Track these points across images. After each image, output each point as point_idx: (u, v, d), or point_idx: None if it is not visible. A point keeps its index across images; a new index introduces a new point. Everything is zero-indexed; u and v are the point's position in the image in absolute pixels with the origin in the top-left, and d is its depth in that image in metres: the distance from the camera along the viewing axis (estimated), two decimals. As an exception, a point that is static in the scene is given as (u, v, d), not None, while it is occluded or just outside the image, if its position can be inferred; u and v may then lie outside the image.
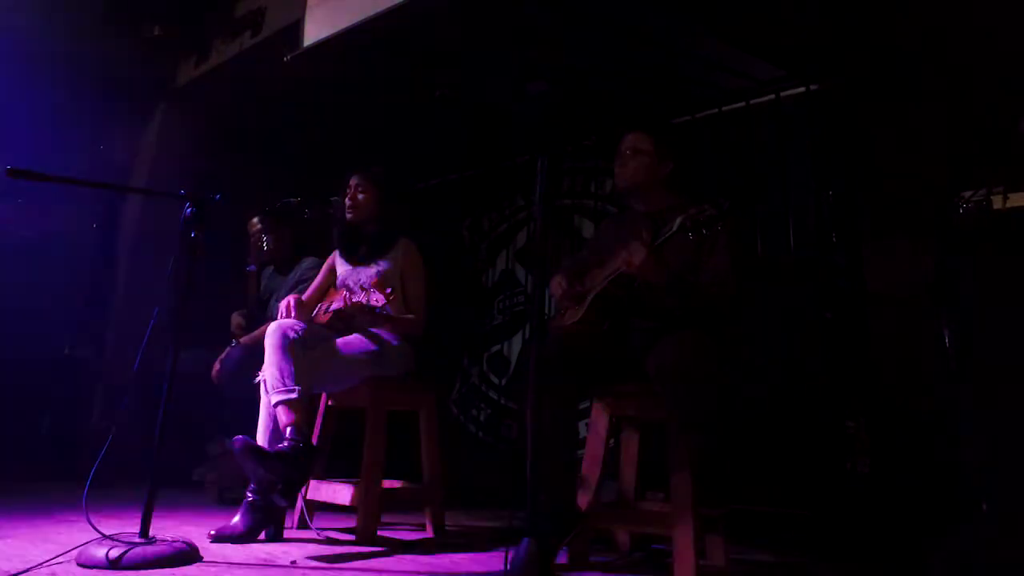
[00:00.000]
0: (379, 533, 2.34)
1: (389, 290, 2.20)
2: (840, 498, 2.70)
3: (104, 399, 3.91)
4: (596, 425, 2.13)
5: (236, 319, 3.24)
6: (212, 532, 2.10)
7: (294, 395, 2.12)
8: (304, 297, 2.70)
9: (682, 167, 2.25)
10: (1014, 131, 2.39)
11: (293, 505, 2.35)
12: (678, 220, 1.92)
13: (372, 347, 2.37)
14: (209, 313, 3.13)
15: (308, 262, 3.12)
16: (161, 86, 4.37)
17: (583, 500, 2.02)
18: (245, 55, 3.90)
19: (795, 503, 2.77)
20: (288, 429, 2.10)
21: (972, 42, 2.66)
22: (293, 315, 2.30)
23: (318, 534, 2.32)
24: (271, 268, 3.33)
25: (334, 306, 2.40)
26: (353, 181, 2.62)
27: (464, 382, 4.32)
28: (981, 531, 2.09)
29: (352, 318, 2.42)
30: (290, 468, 2.05)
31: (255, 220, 3.28)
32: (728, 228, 1.99)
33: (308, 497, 2.42)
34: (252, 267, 3.23)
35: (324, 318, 2.47)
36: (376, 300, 2.18)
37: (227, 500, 2.96)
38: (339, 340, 2.35)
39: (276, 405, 2.14)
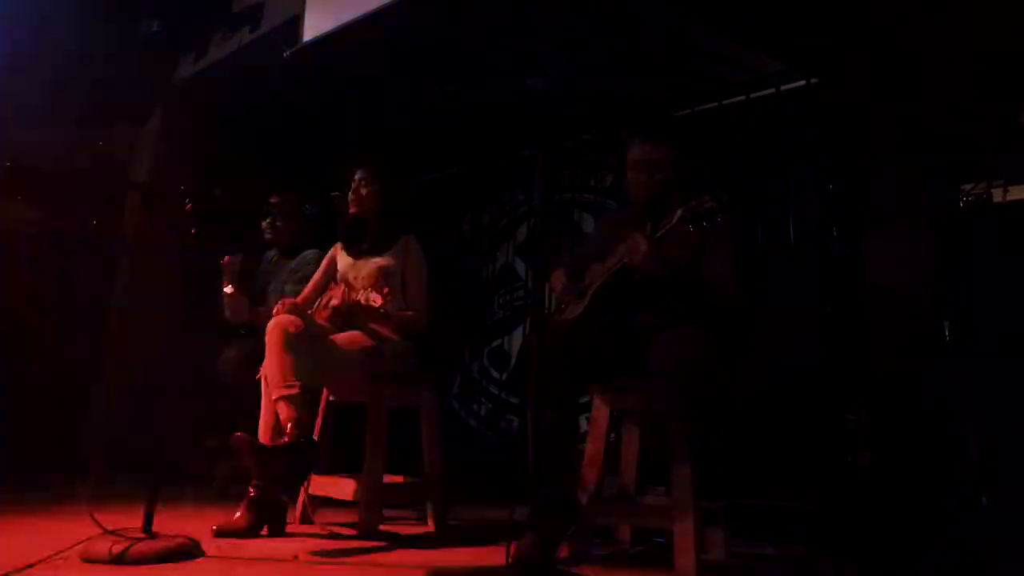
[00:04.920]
0: (381, 527, 2.35)
1: (386, 290, 2.20)
2: (841, 491, 2.70)
3: (105, 395, 3.92)
4: (597, 419, 2.13)
5: (229, 312, 3.22)
6: (214, 527, 2.11)
7: (295, 391, 2.13)
8: (305, 290, 2.70)
9: (692, 166, 2.24)
10: (1014, 124, 2.39)
11: (295, 500, 2.36)
12: (678, 212, 1.91)
13: (371, 343, 2.38)
14: (209, 309, 3.13)
15: (311, 254, 3.10)
16: (160, 82, 4.36)
17: (584, 494, 2.02)
18: (244, 51, 3.89)
19: (796, 496, 2.77)
20: (289, 424, 2.10)
21: (972, 35, 2.66)
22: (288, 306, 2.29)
23: (321, 529, 2.33)
24: (274, 251, 3.33)
25: (332, 303, 2.40)
26: (357, 175, 2.62)
27: (465, 377, 4.32)
28: (979, 524, 2.09)
29: (351, 315, 2.42)
30: (291, 463, 2.06)
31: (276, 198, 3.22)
32: (728, 222, 1.99)
33: (310, 492, 2.43)
34: (231, 288, 3.15)
35: (324, 314, 2.47)
36: (374, 299, 2.19)
37: (229, 495, 2.97)
38: (339, 336, 2.35)
39: (277, 400, 2.14)
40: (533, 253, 4.02)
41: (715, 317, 2.03)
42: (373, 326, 2.42)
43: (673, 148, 2.19)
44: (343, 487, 2.35)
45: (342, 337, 2.35)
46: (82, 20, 3.80)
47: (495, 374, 4.20)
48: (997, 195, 2.29)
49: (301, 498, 2.43)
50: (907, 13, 2.77)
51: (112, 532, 1.73)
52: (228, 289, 3.05)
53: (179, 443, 3.23)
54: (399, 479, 2.64)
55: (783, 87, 3.27)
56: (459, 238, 4.57)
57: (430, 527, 2.51)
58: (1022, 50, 2.50)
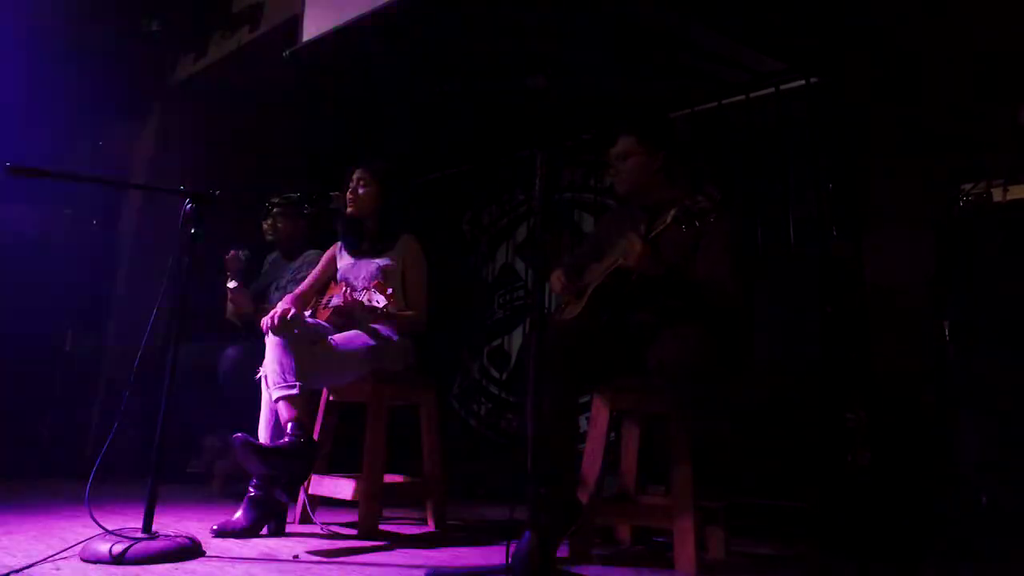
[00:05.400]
0: (381, 527, 2.35)
1: (390, 291, 2.19)
2: (840, 491, 2.70)
3: (105, 395, 3.92)
4: (596, 419, 2.13)
5: (232, 307, 3.23)
6: (214, 527, 2.11)
7: (294, 391, 2.12)
8: (302, 287, 2.69)
9: (674, 155, 2.25)
10: (1014, 123, 2.39)
11: (295, 500, 2.36)
12: (671, 212, 1.92)
13: (372, 342, 2.37)
14: (209, 308, 3.12)
15: (312, 254, 3.11)
16: (160, 82, 4.36)
17: (584, 494, 2.02)
18: (243, 50, 3.89)
19: (795, 496, 2.77)
20: (289, 425, 2.10)
21: (972, 33, 2.66)
22: (277, 324, 2.20)
23: (321, 528, 2.33)
24: (276, 254, 3.33)
25: (334, 302, 2.40)
26: (355, 175, 2.61)
27: (464, 377, 4.32)
28: (979, 524, 2.09)
29: (352, 315, 2.42)
30: (291, 463, 2.06)
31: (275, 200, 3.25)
32: (723, 220, 1.99)
33: (310, 492, 2.43)
34: (234, 283, 3.10)
35: (324, 314, 2.47)
36: (377, 301, 2.17)
37: (229, 494, 2.97)
38: (339, 335, 2.35)
39: (277, 400, 2.14)
40: (533, 253, 4.03)
41: (713, 316, 2.04)
42: (373, 326, 2.42)
43: (632, 136, 2.22)
44: (343, 487, 2.35)
45: (342, 337, 2.35)
46: (82, 19, 3.80)
47: (495, 374, 4.20)
48: (997, 195, 2.28)
49: (301, 498, 2.43)
50: (907, 13, 2.77)
51: (112, 532, 1.73)
52: (231, 284, 3.05)
53: (179, 443, 3.24)
54: (399, 479, 2.64)
55: (783, 87, 3.27)
56: (459, 238, 4.57)
57: (430, 527, 2.51)
58: (1022, 50, 2.50)
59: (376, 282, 2.25)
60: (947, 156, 2.61)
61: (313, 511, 2.44)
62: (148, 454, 1.80)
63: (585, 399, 2.34)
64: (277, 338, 2.18)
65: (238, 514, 2.15)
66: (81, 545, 1.72)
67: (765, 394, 2.92)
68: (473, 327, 4.33)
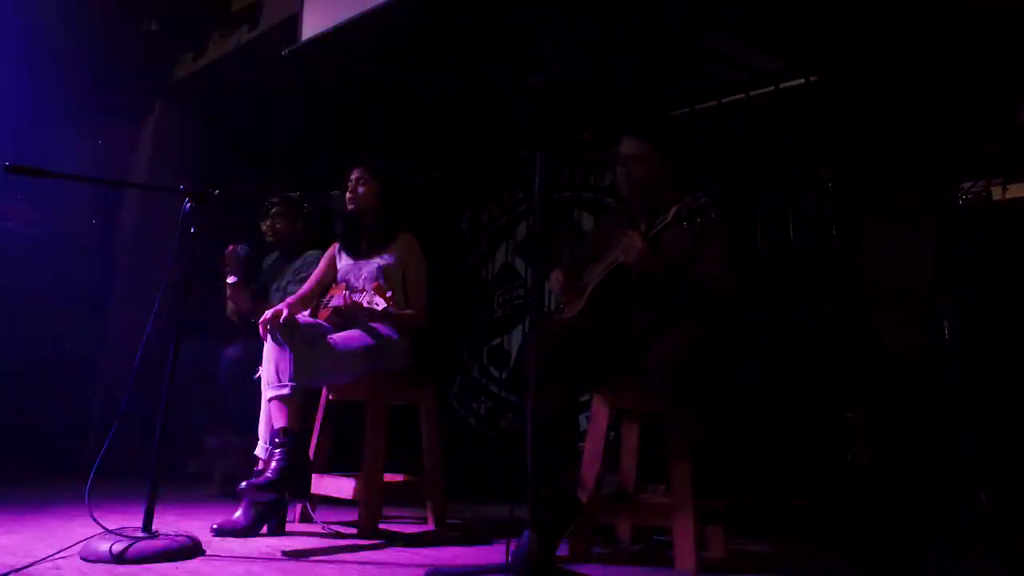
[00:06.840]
0: (381, 526, 2.35)
1: (390, 293, 2.18)
2: (841, 489, 2.71)
3: (104, 394, 3.92)
4: (596, 418, 2.13)
5: (232, 305, 3.23)
6: (214, 526, 2.11)
7: (286, 391, 2.12)
8: (304, 290, 2.69)
9: (683, 160, 2.24)
10: (1014, 122, 2.39)
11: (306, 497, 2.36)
12: (672, 209, 1.92)
13: (371, 342, 2.37)
14: (209, 307, 3.12)
15: (313, 255, 3.11)
16: (159, 81, 4.36)
17: (584, 493, 2.02)
18: (243, 49, 3.89)
19: (796, 494, 2.77)
20: (278, 432, 2.09)
21: (972, 33, 2.66)
22: (271, 327, 2.20)
23: (321, 527, 2.33)
24: (275, 255, 3.33)
25: (334, 303, 2.39)
26: (354, 175, 2.61)
27: (464, 376, 4.32)
28: (978, 521, 2.09)
29: (352, 315, 2.42)
30: (288, 487, 2.06)
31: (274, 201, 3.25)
32: (723, 217, 1.99)
33: (310, 491, 2.43)
34: (233, 278, 3.09)
35: (324, 314, 2.47)
36: (377, 304, 2.17)
37: (229, 494, 2.97)
38: (338, 335, 2.35)
39: (269, 400, 2.14)
40: (532, 252, 4.03)
41: (712, 311, 2.04)
42: (373, 325, 2.42)
43: (648, 143, 2.20)
44: (343, 486, 2.35)
45: (342, 336, 2.35)
46: (82, 19, 3.80)
47: (495, 373, 4.20)
48: (996, 193, 2.28)
49: (301, 497, 2.42)
50: (907, 12, 2.77)
51: (112, 531, 1.73)
52: (230, 279, 3.04)
53: (179, 443, 3.24)
54: (399, 478, 2.64)
55: (782, 85, 3.27)
56: (459, 237, 4.57)
57: (430, 526, 2.51)
58: (1022, 49, 2.50)
59: (376, 284, 2.24)
60: (947, 155, 2.61)
61: (313, 510, 2.44)
62: (148, 454, 1.80)
63: (585, 398, 2.34)
64: (272, 337, 2.17)
65: (238, 513, 2.15)
66: (81, 544, 1.72)
67: (766, 392, 2.92)
68: (473, 326, 4.33)
